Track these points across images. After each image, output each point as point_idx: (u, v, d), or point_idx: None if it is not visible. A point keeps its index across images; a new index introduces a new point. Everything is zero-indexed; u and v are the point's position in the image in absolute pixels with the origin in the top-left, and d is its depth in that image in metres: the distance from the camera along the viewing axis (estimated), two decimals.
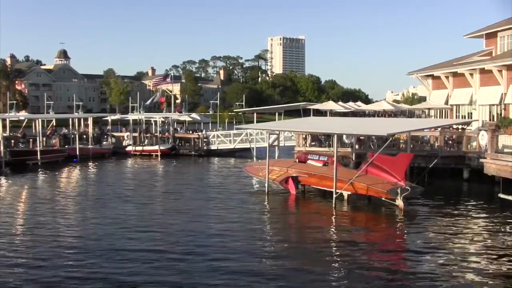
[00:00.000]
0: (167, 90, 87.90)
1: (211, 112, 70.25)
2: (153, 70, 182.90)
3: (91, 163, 37.22)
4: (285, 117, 47.23)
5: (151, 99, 63.35)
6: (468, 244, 15.11)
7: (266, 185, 23.15)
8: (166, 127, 49.03)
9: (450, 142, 28.65)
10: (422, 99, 77.89)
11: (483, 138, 24.45)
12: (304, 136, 29.66)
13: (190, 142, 44.76)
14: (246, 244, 14.79)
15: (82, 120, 47.24)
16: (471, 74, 35.18)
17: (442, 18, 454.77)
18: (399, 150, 26.25)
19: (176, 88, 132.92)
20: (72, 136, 42.09)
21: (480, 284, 11.69)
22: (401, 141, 29.58)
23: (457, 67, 36.34)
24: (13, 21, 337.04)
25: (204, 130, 48.05)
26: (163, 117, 49.49)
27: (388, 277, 12.07)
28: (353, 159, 23.73)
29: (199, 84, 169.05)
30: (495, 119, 31.11)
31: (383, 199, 19.84)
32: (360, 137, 28.08)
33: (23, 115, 60.20)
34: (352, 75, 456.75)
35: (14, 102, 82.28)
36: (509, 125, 23.62)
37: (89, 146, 41.49)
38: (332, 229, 17.30)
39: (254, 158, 28.80)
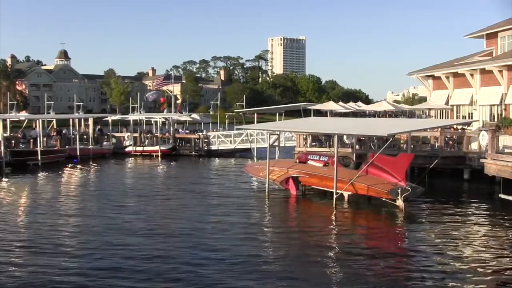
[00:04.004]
0: (167, 91, 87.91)
1: (211, 113, 70.21)
2: (154, 70, 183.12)
3: (91, 164, 37.21)
4: (285, 118, 47.19)
5: (150, 94, 63.21)
6: (468, 244, 15.10)
7: (266, 185, 23.14)
8: (167, 127, 49.03)
9: (451, 142, 28.64)
10: (423, 99, 78.10)
11: (484, 139, 24.44)
12: (304, 136, 29.65)
13: (191, 143, 44.75)
14: (246, 245, 14.77)
15: (82, 120, 47.22)
16: (472, 75, 35.18)
17: (442, 18, 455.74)
18: (400, 151, 26.23)
19: (176, 89, 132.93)
20: (73, 136, 42.09)
21: (480, 285, 11.67)
22: (401, 142, 29.57)
23: (458, 68, 36.34)
24: (13, 21, 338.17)
25: (204, 131, 48.04)
26: (163, 118, 49.49)
27: (389, 277, 12.07)
28: (354, 159, 23.72)
29: (199, 85, 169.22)
30: (496, 120, 31.11)
31: (383, 199, 19.83)
32: (361, 138, 28.07)
33: (23, 115, 60.16)
34: (353, 76, 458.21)
35: (15, 102, 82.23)
36: (510, 125, 23.61)
37: (90, 147, 41.48)
38: (332, 230, 17.29)
39: (255, 159, 28.81)
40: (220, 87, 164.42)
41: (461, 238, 15.85)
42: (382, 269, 12.69)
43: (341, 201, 20.51)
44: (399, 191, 18.92)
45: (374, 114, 57.04)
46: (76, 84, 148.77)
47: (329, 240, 15.85)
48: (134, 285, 11.41)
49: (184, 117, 53.91)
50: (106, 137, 46.19)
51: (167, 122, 49.67)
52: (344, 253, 14.12)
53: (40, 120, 40.24)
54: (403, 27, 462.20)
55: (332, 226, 17.75)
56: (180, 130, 49.72)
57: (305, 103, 64.90)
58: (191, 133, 47.80)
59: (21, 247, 14.54)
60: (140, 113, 55.96)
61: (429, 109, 41.47)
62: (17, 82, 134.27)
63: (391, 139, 23.40)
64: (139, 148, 44.00)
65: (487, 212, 19.74)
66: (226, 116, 59.24)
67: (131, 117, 49.82)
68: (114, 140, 46.08)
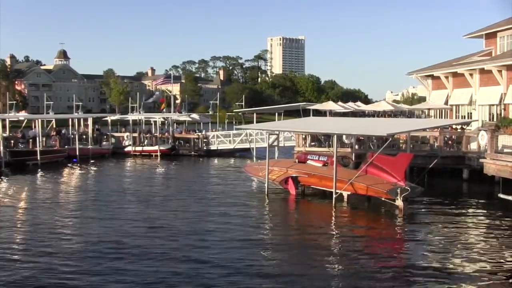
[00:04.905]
0: (167, 91, 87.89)
1: (210, 113, 70.25)
2: (153, 70, 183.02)
3: (90, 164, 37.20)
4: (284, 117, 47.18)
5: (153, 97, 63.24)
6: (467, 244, 15.11)
7: (266, 185, 23.13)
8: (166, 127, 49.01)
9: (450, 142, 28.66)
10: (422, 99, 78.10)
11: (483, 138, 24.45)
12: (303, 136, 29.65)
13: (190, 143, 44.74)
14: (245, 245, 14.77)
15: (81, 120, 47.21)
16: (471, 74, 35.19)
17: (442, 18, 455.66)
18: (399, 150, 26.24)
19: (176, 89, 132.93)
20: (72, 136, 42.08)
21: (480, 284, 11.68)
22: (401, 141, 29.58)
23: (457, 67, 36.36)
24: (13, 21, 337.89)
25: (204, 131, 48.02)
26: (163, 118, 49.44)
27: (388, 277, 12.07)
28: (353, 159, 23.72)
29: (199, 85, 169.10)
30: (495, 119, 31.12)
31: (382, 199, 19.83)
32: (360, 137, 28.07)
33: (22, 115, 60.18)
34: (352, 75, 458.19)
35: (14, 102, 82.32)
36: (509, 125, 23.61)
37: (89, 147, 41.47)
38: (331, 229, 17.29)
39: (254, 158, 28.79)
40: (220, 87, 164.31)
41: (460, 237, 15.86)
42: (381, 269, 12.69)
43: (341, 201, 20.51)
44: (399, 191, 18.92)
45: (374, 114, 57.11)
46: (75, 84, 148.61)
47: (328, 240, 15.84)
48: (133, 286, 11.42)
49: (184, 117, 53.89)
50: (105, 137, 46.17)
51: (166, 122, 49.65)
52: (343, 253, 14.13)
53: (40, 120, 40.23)
54: (403, 27, 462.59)
55: (331, 226, 17.75)
56: (176, 129, 49.44)
57: (304, 103, 64.90)
58: (188, 132, 47.75)
59: (19, 248, 14.55)
60: (140, 113, 55.99)
61: (429, 109, 41.48)
62: (16, 82, 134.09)
63: (390, 139, 23.41)
64: (139, 148, 43.99)
65: (486, 212, 19.74)
66: (227, 116, 59.23)
67: (131, 117, 49.79)
68: (113, 140, 46.07)
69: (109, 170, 35.36)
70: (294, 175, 22.80)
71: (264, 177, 23.51)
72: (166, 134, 46.13)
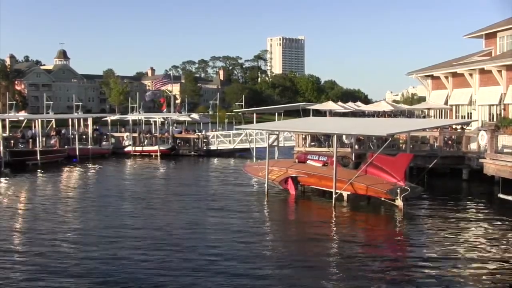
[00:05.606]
0: (166, 91, 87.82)
1: (210, 113, 70.18)
2: (153, 70, 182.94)
3: (90, 164, 37.21)
4: (284, 117, 47.14)
5: (148, 95, 62.56)
6: (467, 244, 15.10)
7: (265, 185, 23.13)
8: (166, 127, 48.97)
9: (450, 142, 28.66)
10: (422, 99, 78.10)
11: (483, 138, 24.46)
12: (303, 136, 29.66)
13: (190, 143, 44.74)
14: (245, 245, 14.77)
15: (81, 120, 47.21)
16: (471, 74, 35.20)
17: (442, 18, 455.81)
18: (399, 150, 26.24)
19: (175, 89, 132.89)
20: (72, 136, 42.08)
21: (479, 284, 11.68)
22: (400, 142, 29.59)
23: (457, 67, 36.37)
24: (13, 21, 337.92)
25: (203, 131, 48.00)
26: (162, 118, 49.41)
27: (388, 277, 12.08)
28: (353, 159, 23.73)
29: (198, 85, 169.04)
30: (495, 119, 31.13)
31: (382, 199, 19.83)
32: (360, 137, 28.08)
33: (22, 115, 60.20)
34: (352, 75, 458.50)
35: (14, 102, 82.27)
36: (509, 125, 23.62)
37: (89, 147, 41.48)
38: (331, 230, 17.29)
39: (254, 158, 28.79)
40: (219, 87, 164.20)
41: (460, 238, 15.85)
42: (381, 269, 12.70)
43: (340, 201, 20.51)
44: (398, 191, 18.91)
45: (373, 114, 57.11)
46: (75, 84, 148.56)
47: (328, 240, 15.84)
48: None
49: (183, 117, 53.86)
50: (105, 137, 46.16)
51: (166, 122, 49.60)
52: (343, 253, 14.13)
53: (39, 120, 40.22)
54: (403, 27, 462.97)
55: (331, 226, 17.74)
56: (175, 129, 49.28)
57: (304, 103, 64.87)
58: (188, 132, 47.71)
59: (19, 248, 14.54)
60: (139, 113, 55.89)
61: (428, 109, 41.48)
62: (16, 82, 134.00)
63: (390, 139, 23.41)
64: (138, 148, 43.99)
65: (486, 212, 19.76)
66: (226, 116, 59.11)
67: (130, 117, 49.79)
68: (113, 140, 46.07)
69: (109, 170, 35.34)
70: (294, 175, 22.80)
71: (264, 177, 23.51)
72: (166, 134, 46.10)
